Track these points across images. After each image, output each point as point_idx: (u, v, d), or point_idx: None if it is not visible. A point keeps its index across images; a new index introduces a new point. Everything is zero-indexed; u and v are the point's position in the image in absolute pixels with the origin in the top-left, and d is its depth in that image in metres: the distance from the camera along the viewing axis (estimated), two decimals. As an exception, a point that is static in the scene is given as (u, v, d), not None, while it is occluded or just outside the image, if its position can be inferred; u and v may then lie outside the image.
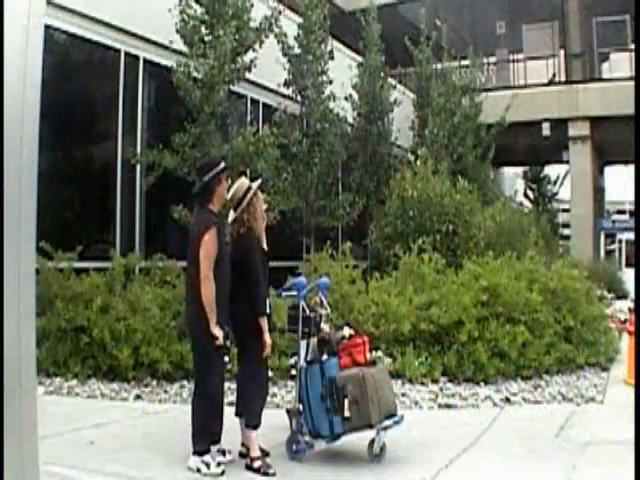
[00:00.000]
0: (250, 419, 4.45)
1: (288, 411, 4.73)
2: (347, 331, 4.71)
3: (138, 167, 9.35)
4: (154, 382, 6.74)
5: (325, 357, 4.58)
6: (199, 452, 4.22)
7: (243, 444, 4.55)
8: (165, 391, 6.52)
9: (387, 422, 4.49)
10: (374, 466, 4.45)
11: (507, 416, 5.95)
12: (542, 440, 5.09)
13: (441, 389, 6.79)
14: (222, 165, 4.41)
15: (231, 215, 4.58)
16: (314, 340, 4.66)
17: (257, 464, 4.31)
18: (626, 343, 7.87)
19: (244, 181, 4.63)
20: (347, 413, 4.39)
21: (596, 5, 20.91)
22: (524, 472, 4.38)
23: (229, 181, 4.57)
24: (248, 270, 4.39)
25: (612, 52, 21.52)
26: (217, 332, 4.16)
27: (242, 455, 4.50)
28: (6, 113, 2.10)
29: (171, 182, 9.13)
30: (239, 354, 4.69)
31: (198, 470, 4.16)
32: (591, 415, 6.02)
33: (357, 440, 4.57)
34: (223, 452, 4.42)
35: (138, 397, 6.35)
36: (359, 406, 4.39)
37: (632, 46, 20.35)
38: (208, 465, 4.17)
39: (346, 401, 4.39)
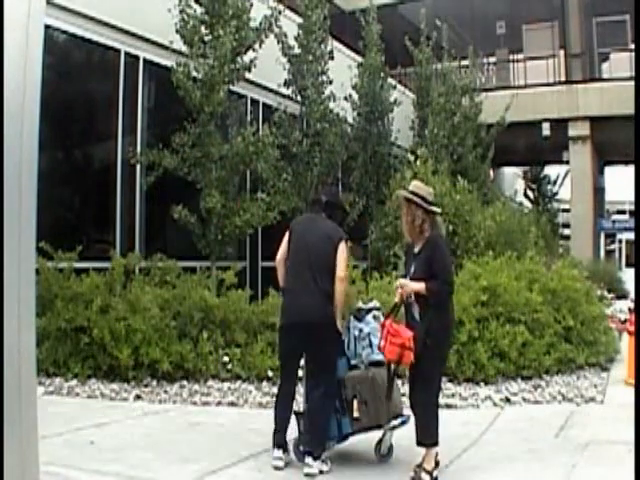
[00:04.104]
0: None
1: (296, 413, 4.72)
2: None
3: (138, 167, 9.34)
4: (154, 382, 6.74)
5: None
6: (318, 457, 4.28)
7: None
8: (165, 391, 6.52)
9: (395, 422, 4.48)
10: (374, 466, 4.45)
11: (507, 416, 5.95)
12: (542, 440, 5.09)
13: (441, 389, 6.77)
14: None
15: None
16: None
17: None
18: (626, 343, 7.87)
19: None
20: (356, 414, 4.38)
21: (596, 5, 20.89)
22: (524, 472, 4.38)
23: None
24: None
25: (612, 52, 21.49)
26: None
27: None
28: (6, 113, 2.10)
29: (171, 182, 9.13)
30: None
31: (321, 472, 4.23)
32: (591, 415, 6.01)
33: (358, 441, 4.56)
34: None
35: (138, 397, 6.34)
36: (369, 407, 4.38)
37: (632, 46, 20.33)
38: (325, 462, 4.31)
39: (355, 402, 4.38)
